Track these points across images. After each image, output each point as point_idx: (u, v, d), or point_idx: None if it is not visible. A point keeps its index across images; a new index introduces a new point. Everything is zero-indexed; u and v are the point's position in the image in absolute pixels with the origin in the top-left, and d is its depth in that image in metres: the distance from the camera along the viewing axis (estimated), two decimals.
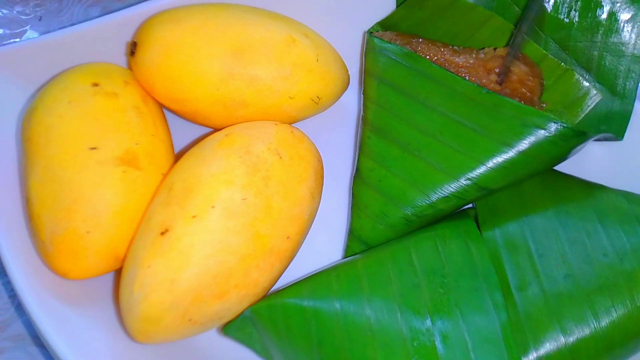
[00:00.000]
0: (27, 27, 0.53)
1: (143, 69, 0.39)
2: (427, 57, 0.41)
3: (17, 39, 0.52)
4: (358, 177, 0.40)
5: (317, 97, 0.41)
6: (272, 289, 0.37)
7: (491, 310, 0.32)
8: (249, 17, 0.40)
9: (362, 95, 0.42)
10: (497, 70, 0.40)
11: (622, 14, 0.40)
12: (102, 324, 0.36)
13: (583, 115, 0.41)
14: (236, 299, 0.34)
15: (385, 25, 0.46)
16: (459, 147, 0.37)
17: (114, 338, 0.35)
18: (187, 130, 0.44)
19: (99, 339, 0.35)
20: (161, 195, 0.34)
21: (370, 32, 0.45)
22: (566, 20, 0.40)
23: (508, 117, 0.36)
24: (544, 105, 0.42)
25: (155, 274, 0.32)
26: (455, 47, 0.43)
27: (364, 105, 0.41)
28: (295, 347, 0.34)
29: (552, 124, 0.35)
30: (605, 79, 0.41)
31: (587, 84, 0.41)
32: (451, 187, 0.37)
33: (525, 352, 0.32)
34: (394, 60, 0.40)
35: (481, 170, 0.36)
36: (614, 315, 0.32)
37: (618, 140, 0.40)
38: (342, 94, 0.44)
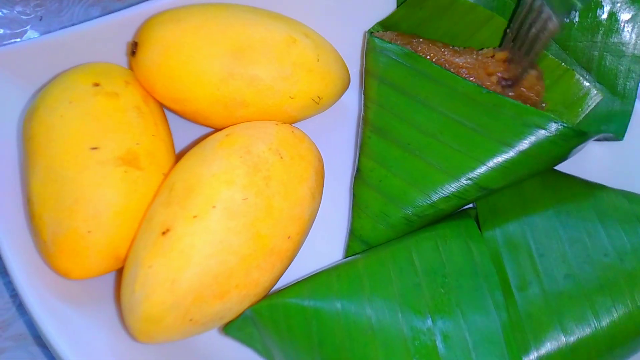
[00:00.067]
0: (28, 27, 0.53)
1: (144, 69, 0.39)
2: (428, 57, 0.41)
3: (18, 39, 0.52)
4: (359, 177, 0.40)
5: (318, 97, 0.41)
6: (273, 289, 0.37)
7: (492, 310, 0.33)
8: (249, 17, 0.40)
9: (362, 95, 0.42)
10: (500, 74, 0.40)
11: (622, 14, 0.40)
12: (104, 323, 0.36)
13: (583, 116, 0.41)
14: (237, 299, 0.34)
15: (385, 25, 0.46)
16: (460, 147, 0.37)
17: (115, 338, 0.35)
18: (187, 130, 0.44)
19: (100, 338, 0.35)
20: (162, 195, 0.35)
21: (370, 32, 0.45)
22: (566, 20, 0.40)
23: (508, 117, 0.36)
24: (544, 105, 0.42)
25: (156, 273, 0.32)
26: (456, 48, 0.43)
27: (365, 105, 0.41)
28: (296, 346, 0.34)
29: (553, 123, 0.35)
30: (605, 79, 0.41)
31: (587, 84, 0.41)
32: (452, 187, 0.37)
33: (526, 352, 0.32)
34: (395, 60, 0.41)
35: (482, 170, 0.36)
36: (615, 315, 0.33)
37: (618, 140, 0.40)
38: (342, 94, 0.44)
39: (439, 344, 0.32)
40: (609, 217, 0.36)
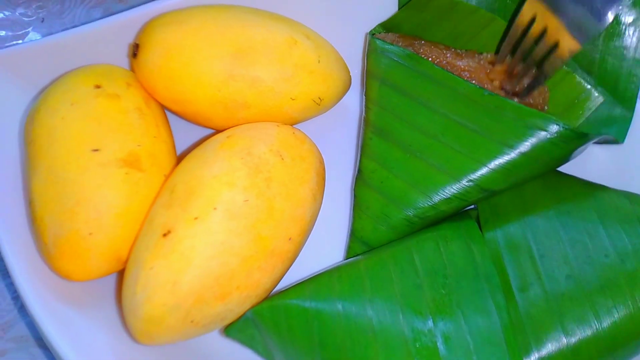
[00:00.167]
0: (30, 29, 0.53)
1: (145, 71, 0.39)
2: (430, 59, 0.41)
3: (20, 41, 0.52)
4: (360, 179, 0.40)
5: (319, 98, 0.41)
6: (274, 290, 0.37)
7: (493, 311, 0.33)
8: (250, 18, 0.40)
9: (363, 97, 0.42)
10: (501, 82, 0.40)
11: (624, 18, 0.40)
12: (105, 325, 0.36)
13: (584, 119, 0.41)
14: (238, 301, 0.34)
15: (386, 26, 0.46)
16: (461, 148, 0.37)
17: (117, 339, 0.35)
18: (189, 132, 0.44)
19: (102, 340, 0.35)
20: (163, 197, 0.35)
21: (372, 34, 0.45)
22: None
23: (510, 119, 0.36)
24: (546, 108, 0.41)
25: (157, 275, 0.32)
26: (458, 50, 0.43)
27: (366, 106, 0.41)
28: (297, 348, 0.34)
29: (554, 125, 0.35)
30: (606, 83, 0.41)
31: (588, 86, 0.41)
32: (453, 189, 0.37)
33: (527, 353, 0.32)
34: (396, 62, 0.41)
35: (483, 171, 0.36)
36: (616, 315, 0.32)
37: (619, 143, 0.40)
38: (343, 95, 0.44)
39: (440, 345, 0.32)
40: (609, 218, 0.36)
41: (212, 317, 0.33)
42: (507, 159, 0.36)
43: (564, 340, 0.32)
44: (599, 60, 0.40)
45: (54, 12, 0.54)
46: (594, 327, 0.32)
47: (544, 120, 0.35)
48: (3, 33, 0.52)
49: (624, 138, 0.39)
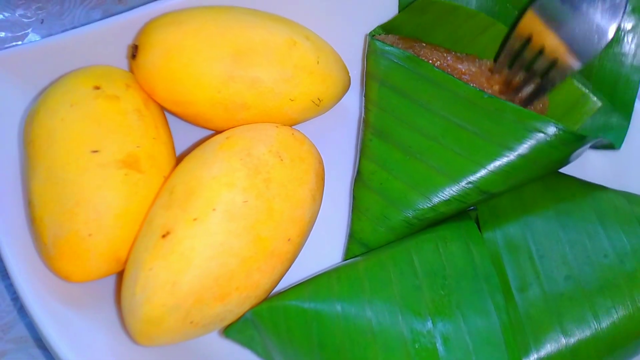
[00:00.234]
0: (29, 30, 0.53)
1: (144, 72, 0.39)
2: (430, 61, 0.41)
3: (19, 42, 0.52)
4: (359, 180, 0.40)
5: (318, 99, 0.41)
6: (274, 291, 0.37)
7: (492, 312, 0.33)
8: (249, 19, 0.40)
9: (363, 98, 0.42)
10: (499, 87, 0.40)
11: (623, 24, 0.40)
12: (104, 326, 0.36)
13: (581, 124, 0.41)
14: (237, 301, 0.34)
15: (386, 28, 0.46)
16: (461, 150, 0.37)
17: (116, 340, 0.35)
18: (188, 133, 0.44)
19: (101, 341, 0.35)
20: (162, 198, 0.35)
21: (372, 35, 0.45)
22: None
23: (509, 122, 0.36)
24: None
25: (156, 276, 0.32)
26: (459, 54, 0.43)
27: (366, 107, 0.41)
28: (296, 349, 0.34)
29: (553, 128, 0.35)
30: (604, 89, 0.41)
31: (586, 91, 0.41)
32: (452, 190, 0.37)
33: (526, 354, 0.32)
34: (396, 63, 0.41)
35: (482, 173, 0.36)
36: (615, 316, 0.32)
37: (615, 149, 0.39)
38: (342, 96, 0.44)
39: (439, 346, 0.32)
40: (608, 218, 0.36)
41: (212, 318, 0.33)
42: (506, 161, 0.36)
43: (563, 341, 0.32)
44: (597, 66, 0.39)
45: (53, 13, 0.54)
46: (593, 328, 0.32)
47: (543, 123, 0.35)
48: (2, 34, 0.52)
49: (621, 144, 0.39)
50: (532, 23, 0.39)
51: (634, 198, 0.37)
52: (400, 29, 0.46)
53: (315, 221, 0.38)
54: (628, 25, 0.40)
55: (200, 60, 0.38)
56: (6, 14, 0.54)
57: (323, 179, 0.39)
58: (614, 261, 0.34)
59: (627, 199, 0.37)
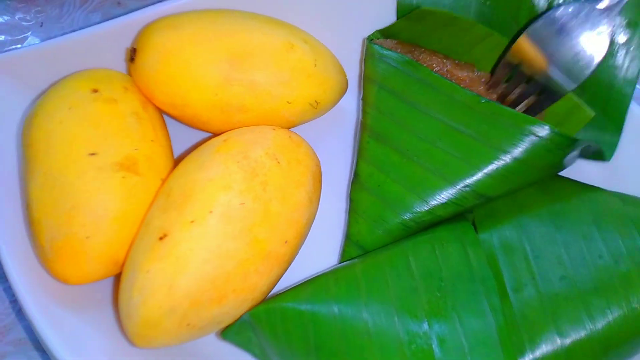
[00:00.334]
0: (29, 34, 0.53)
1: (142, 75, 0.39)
2: (429, 67, 0.41)
3: (19, 45, 0.52)
4: (356, 182, 0.40)
5: (315, 102, 0.41)
6: (271, 293, 0.37)
7: (488, 313, 0.33)
8: (247, 22, 0.40)
9: (360, 100, 0.42)
10: (496, 96, 0.41)
11: (617, 37, 0.40)
12: (102, 328, 0.36)
13: (575, 134, 0.41)
14: (234, 304, 0.34)
15: (385, 33, 0.46)
16: (457, 153, 0.37)
17: (114, 342, 0.35)
18: (186, 135, 0.44)
19: (99, 343, 0.35)
20: (160, 201, 0.35)
21: (370, 39, 0.45)
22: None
23: (506, 125, 0.36)
24: None
25: (154, 278, 0.32)
26: (457, 61, 0.43)
27: (363, 110, 0.42)
28: (293, 351, 0.34)
29: (548, 131, 0.35)
30: (597, 101, 0.41)
31: (578, 103, 0.41)
32: (449, 193, 0.37)
33: (521, 354, 0.32)
34: (394, 67, 0.41)
35: (478, 176, 0.36)
36: (610, 316, 0.33)
37: (605, 161, 0.39)
38: (340, 99, 0.44)
39: (435, 347, 0.32)
40: (603, 219, 0.36)
41: (209, 320, 0.33)
42: (502, 164, 0.36)
43: (558, 342, 0.32)
44: (591, 79, 0.39)
45: (52, 16, 0.54)
46: (588, 328, 0.32)
47: (538, 126, 0.35)
48: (2, 37, 0.53)
49: (611, 156, 0.39)
50: (524, 46, 0.40)
51: (628, 199, 0.37)
52: (397, 35, 0.46)
53: (312, 223, 0.38)
54: (622, 38, 0.40)
55: (198, 63, 0.38)
56: (6, 17, 0.54)
57: (320, 182, 0.39)
58: (609, 262, 0.34)
59: (622, 200, 0.37)
